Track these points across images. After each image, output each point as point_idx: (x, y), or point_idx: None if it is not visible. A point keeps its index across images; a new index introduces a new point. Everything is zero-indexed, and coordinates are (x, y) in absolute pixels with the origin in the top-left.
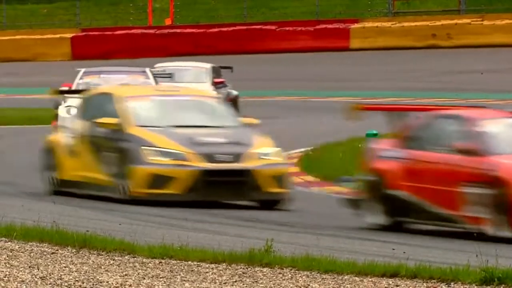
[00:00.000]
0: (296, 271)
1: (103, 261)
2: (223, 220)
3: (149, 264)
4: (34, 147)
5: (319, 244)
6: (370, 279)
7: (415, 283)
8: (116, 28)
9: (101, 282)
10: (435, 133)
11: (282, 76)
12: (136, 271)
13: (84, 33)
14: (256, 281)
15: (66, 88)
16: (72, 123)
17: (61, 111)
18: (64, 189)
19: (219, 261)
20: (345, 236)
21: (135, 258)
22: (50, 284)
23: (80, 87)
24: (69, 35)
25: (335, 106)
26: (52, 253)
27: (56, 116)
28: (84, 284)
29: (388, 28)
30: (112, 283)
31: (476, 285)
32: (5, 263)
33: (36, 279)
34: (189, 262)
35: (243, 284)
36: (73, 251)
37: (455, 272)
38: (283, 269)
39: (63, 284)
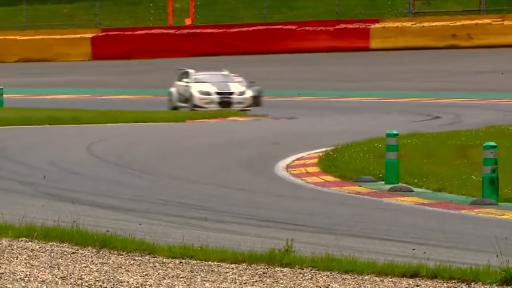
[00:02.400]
0: (317, 271)
1: (124, 261)
2: (243, 220)
3: (170, 264)
4: (54, 147)
5: (339, 244)
6: (390, 279)
7: (436, 283)
8: (136, 28)
9: (121, 282)
10: None
11: (302, 76)
12: (157, 271)
13: (104, 33)
14: (276, 281)
15: None
16: None
17: None
18: None
19: (239, 261)
20: (365, 236)
21: (155, 258)
22: (70, 284)
23: None
24: (89, 35)
25: (355, 106)
26: (73, 253)
27: None
28: (105, 284)
29: (408, 28)
30: (133, 283)
31: (497, 285)
32: (25, 263)
33: (56, 279)
34: (210, 262)
35: (264, 284)
36: (93, 251)
37: (475, 273)
38: (303, 269)
39: (83, 284)
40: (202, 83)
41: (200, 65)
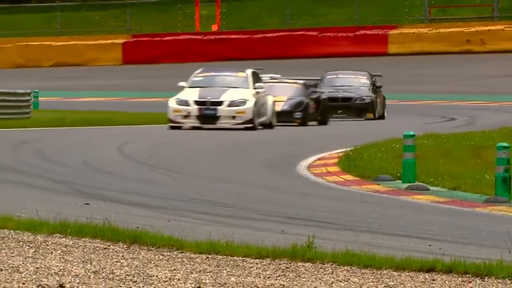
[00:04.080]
0: (337, 266)
1: (153, 256)
2: (267, 217)
3: (197, 259)
4: (87, 147)
5: (358, 240)
6: (407, 274)
7: (451, 277)
8: (164, 34)
9: (151, 276)
10: None
11: None
12: (184, 265)
13: (134, 39)
14: (298, 276)
15: None
16: None
17: None
18: None
19: (263, 256)
20: (383, 232)
21: (183, 254)
22: (102, 278)
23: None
24: (120, 41)
25: None
26: (104, 248)
27: None
28: (135, 278)
29: (424, 34)
30: (162, 277)
31: (509, 280)
32: (59, 258)
33: (89, 273)
34: (235, 257)
35: (286, 278)
36: (124, 246)
37: (489, 267)
38: (324, 264)
39: (114, 278)
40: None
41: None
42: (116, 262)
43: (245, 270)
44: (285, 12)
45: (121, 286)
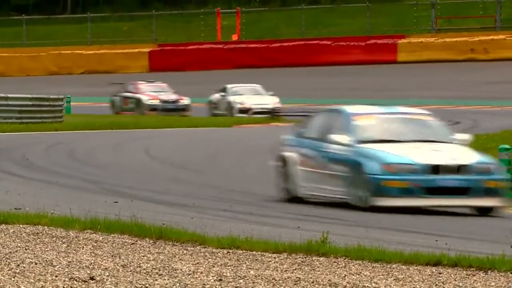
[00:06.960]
0: (349, 260)
1: (177, 251)
2: (284, 215)
3: (218, 253)
4: (116, 149)
5: (369, 236)
6: (415, 267)
7: (456, 271)
8: (188, 43)
9: (175, 270)
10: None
11: (336, 86)
12: (207, 260)
13: (160, 48)
14: (313, 269)
15: None
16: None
17: None
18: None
19: (280, 251)
20: (393, 229)
21: (205, 248)
22: (130, 271)
23: None
24: (147, 50)
25: None
26: (132, 243)
27: None
28: (161, 271)
29: (431, 43)
30: (186, 271)
31: (511, 273)
32: (90, 252)
33: (118, 267)
34: (254, 252)
35: (302, 272)
36: (150, 242)
37: (491, 261)
38: (337, 258)
39: (141, 271)
40: None
41: (245, 76)
42: (143, 256)
43: (263, 264)
44: (301, 23)
45: (147, 279)
